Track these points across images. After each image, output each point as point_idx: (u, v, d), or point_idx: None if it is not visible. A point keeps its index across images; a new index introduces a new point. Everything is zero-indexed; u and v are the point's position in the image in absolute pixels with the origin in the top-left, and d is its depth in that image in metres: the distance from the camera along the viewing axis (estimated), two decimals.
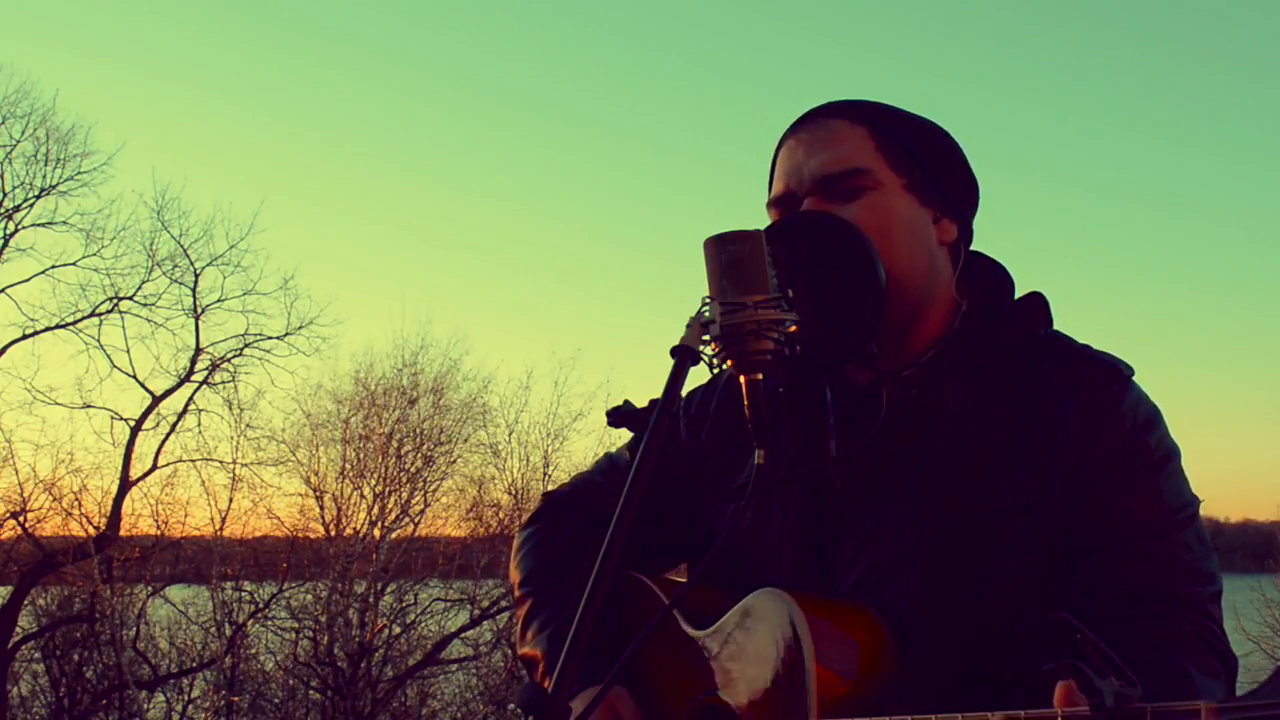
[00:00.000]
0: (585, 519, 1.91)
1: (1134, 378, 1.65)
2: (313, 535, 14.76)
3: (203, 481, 14.39)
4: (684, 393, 1.46)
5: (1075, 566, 1.57)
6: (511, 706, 13.39)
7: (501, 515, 15.33)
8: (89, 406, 14.36)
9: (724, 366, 1.45)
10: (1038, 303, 1.72)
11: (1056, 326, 1.72)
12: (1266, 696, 1.03)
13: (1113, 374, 1.64)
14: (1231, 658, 1.55)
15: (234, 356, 14.72)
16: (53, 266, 14.21)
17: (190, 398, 14.58)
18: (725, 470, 1.80)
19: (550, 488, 2.22)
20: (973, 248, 1.79)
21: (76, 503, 14.09)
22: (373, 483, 14.75)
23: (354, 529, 14.52)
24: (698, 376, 1.50)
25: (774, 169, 1.76)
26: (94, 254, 14.29)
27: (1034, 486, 1.59)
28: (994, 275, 1.76)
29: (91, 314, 14.34)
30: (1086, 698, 1.16)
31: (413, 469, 15.03)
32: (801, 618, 1.51)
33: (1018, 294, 1.75)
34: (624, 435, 1.86)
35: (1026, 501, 1.59)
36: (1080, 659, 1.18)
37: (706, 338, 1.43)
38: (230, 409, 14.50)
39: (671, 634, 1.71)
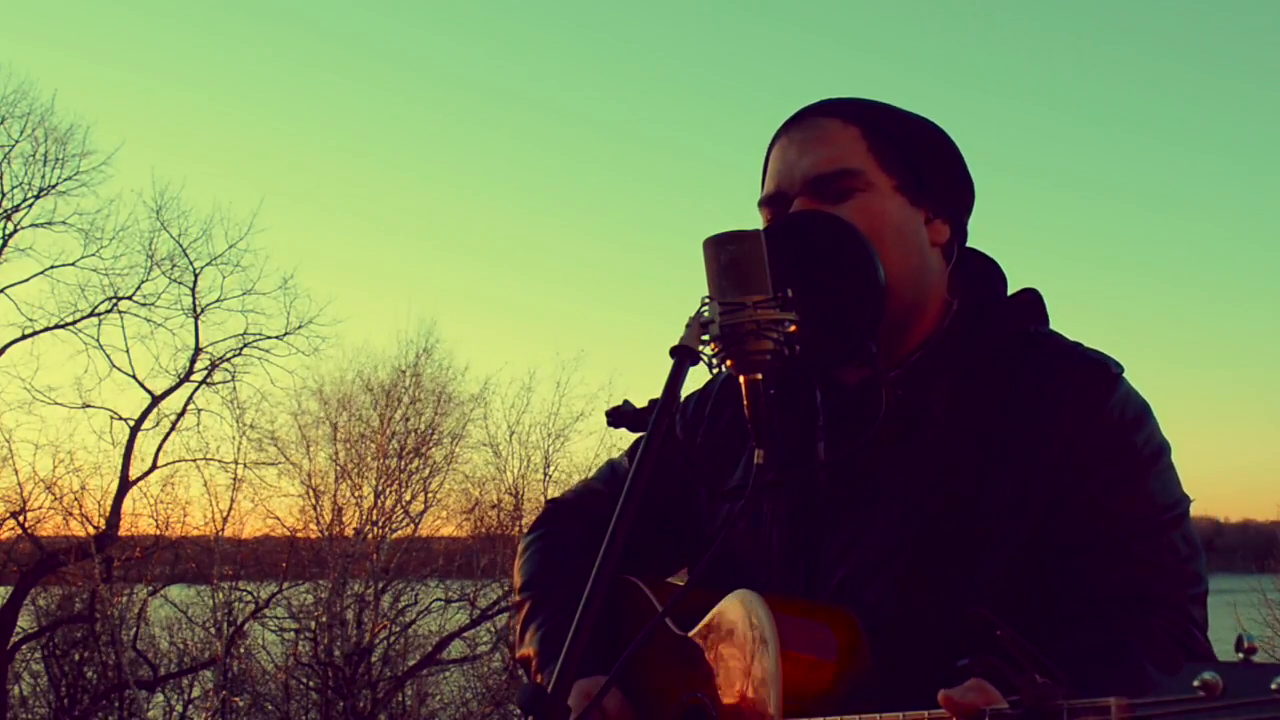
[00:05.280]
0: (586, 525, 1.91)
1: (1123, 375, 1.63)
2: (312, 535, 14.76)
3: (205, 482, 14.41)
4: (682, 395, 1.46)
5: (1059, 565, 1.56)
6: (511, 707, 13.39)
7: (501, 515, 15.32)
8: (88, 406, 14.37)
9: (723, 367, 1.45)
10: (1030, 300, 1.71)
11: (1055, 325, 1.70)
12: (1175, 692, 1.03)
13: (1100, 371, 1.63)
14: (1206, 658, 1.53)
15: (233, 356, 14.73)
16: (52, 267, 14.22)
17: (190, 397, 14.60)
18: (720, 474, 1.80)
19: (554, 493, 2.23)
20: (969, 245, 1.77)
21: (76, 502, 14.11)
22: (372, 482, 14.75)
23: (353, 529, 14.52)
24: (697, 377, 1.50)
25: (766, 167, 1.76)
26: (93, 254, 14.29)
27: (1017, 484, 1.58)
28: (985, 272, 1.75)
29: (91, 314, 14.34)
30: (1004, 694, 1.16)
31: (412, 468, 15.03)
32: (770, 618, 1.51)
33: (1012, 290, 1.74)
34: (623, 435, 1.86)
35: (1009, 500, 1.57)
36: (1001, 656, 1.17)
37: (706, 338, 1.43)
38: (230, 409, 14.53)
39: (662, 635, 1.72)
